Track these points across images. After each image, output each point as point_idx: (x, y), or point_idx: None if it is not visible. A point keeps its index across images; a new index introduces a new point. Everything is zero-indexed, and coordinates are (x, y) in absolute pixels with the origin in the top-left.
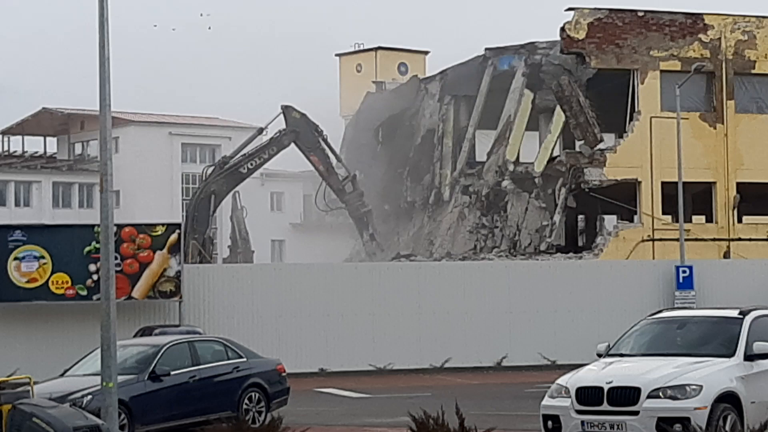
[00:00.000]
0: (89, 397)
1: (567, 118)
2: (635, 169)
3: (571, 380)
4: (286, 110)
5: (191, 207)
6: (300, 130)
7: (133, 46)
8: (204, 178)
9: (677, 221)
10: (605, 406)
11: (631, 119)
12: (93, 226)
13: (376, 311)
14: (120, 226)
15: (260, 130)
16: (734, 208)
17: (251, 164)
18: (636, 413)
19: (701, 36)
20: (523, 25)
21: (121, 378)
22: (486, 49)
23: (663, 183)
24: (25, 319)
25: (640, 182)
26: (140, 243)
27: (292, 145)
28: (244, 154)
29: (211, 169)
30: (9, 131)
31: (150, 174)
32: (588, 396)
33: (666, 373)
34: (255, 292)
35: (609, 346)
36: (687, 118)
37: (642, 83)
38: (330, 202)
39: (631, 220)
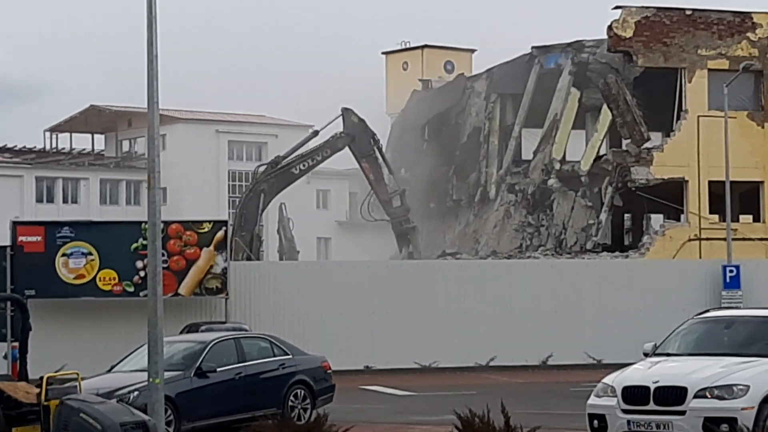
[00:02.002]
0: (136, 393)
1: (614, 117)
2: (682, 168)
3: (617, 379)
4: (346, 113)
5: (240, 205)
6: (356, 135)
7: (181, 43)
8: (255, 177)
9: (724, 220)
10: (651, 406)
11: (678, 118)
12: (140, 222)
13: (421, 309)
14: (167, 223)
15: (315, 132)
16: None
17: (303, 165)
18: (682, 413)
19: (749, 35)
20: (570, 23)
21: (167, 374)
22: (532, 47)
23: (710, 182)
24: (72, 315)
25: (687, 181)
26: (187, 240)
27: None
28: (298, 155)
29: (263, 167)
30: (57, 128)
31: (197, 171)
32: (634, 395)
33: (713, 372)
34: (301, 290)
35: (655, 345)
36: (734, 117)
37: (689, 82)
38: (375, 213)
39: (678, 220)
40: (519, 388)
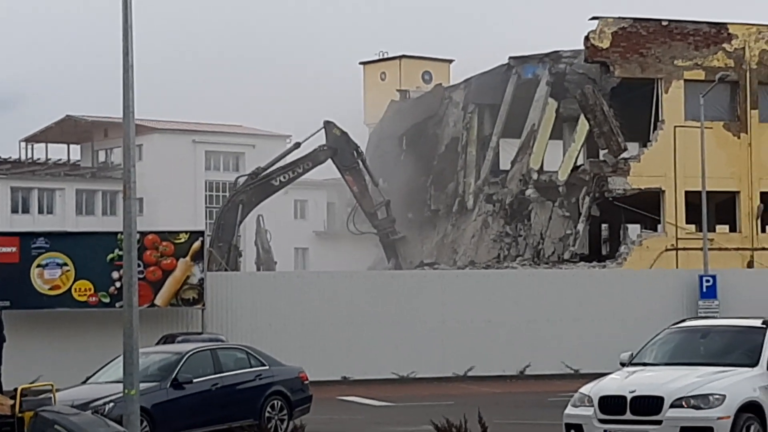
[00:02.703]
0: (111, 404)
1: (591, 127)
2: (659, 178)
3: (594, 389)
4: (328, 126)
5: (218, 215)
6: (339, 148)
7: (158, 53)
8: (234, 188)
9: (701, 230)
10: (628, 416)
11: (655, 128)
12: (116, 233)
13: (398, 319)
14: (143, 234)
15: (297, 144)
16: (758, 217)
17: (284, 177)
18: (659, 423)
19: (725, 45)
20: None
21: (143, 385)
22: (510, 57)
23: (687, 192)
24: (47, 327)
25: (663, 191)
26: (163, 250)
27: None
28: (278, 167)
29: (243, 178)
30: (33, 139)
31: (173, 182)
32: (611, 405)
33: (689, 382)
34: (278, 300)
35: (632, 355)
36: (711, 128)
37: (666, 92)
38: (359, 226)
39: (655, 230)
40: (496, 399)
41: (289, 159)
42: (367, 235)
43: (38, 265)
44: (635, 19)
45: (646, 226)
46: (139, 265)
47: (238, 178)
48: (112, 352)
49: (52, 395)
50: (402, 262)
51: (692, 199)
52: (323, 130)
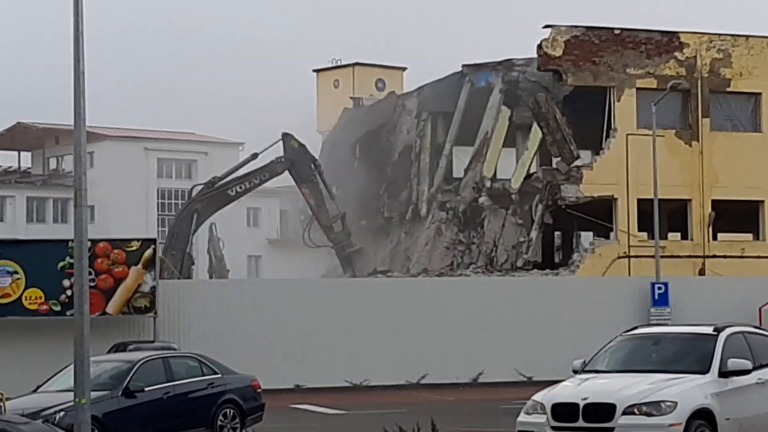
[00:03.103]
0: (62, 413)
1: (544, 135)
2: (611, 186)
3: (547, 396)
4: (286, 138)
5: (173, 223)
6: (296, 160)
7: (109, 60)
8: (190, 196)
9: (653, 238)
10: (581, 423)
11: (607, 136)
12: (67, 241)
13: (352, 327)
14: (94, 242)
15: (254, 155)
16: (709, 225)
17: (240, 187)
18: (611, 430)
19: (677, 54)
20: (501, 42)
21: (94, 394)
22: (463, 65)
23: (639, 200)
24: None
25: (616, 199)
26: (115, 258)
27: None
28: (235, 177)
29: (199, 187)
30: None
31: (125, 189)
32: (563, 412)
33: (641, 389)
34: (231, 308)
35: (585, 362)
36: (663, 136)
37: (618, 101)
38: (316, 239)
39: (608, 237)
40: (450, 406)
41: (245, 169)
42: (319, 243)
43: None
44: (588, 28)
45: (598, 234)
46: (90, 273)
47: (193, 186)
48: (63, 360)
49: (2, 404)
50: (358, 274)
51: (644, 207)
52: (281, 141)
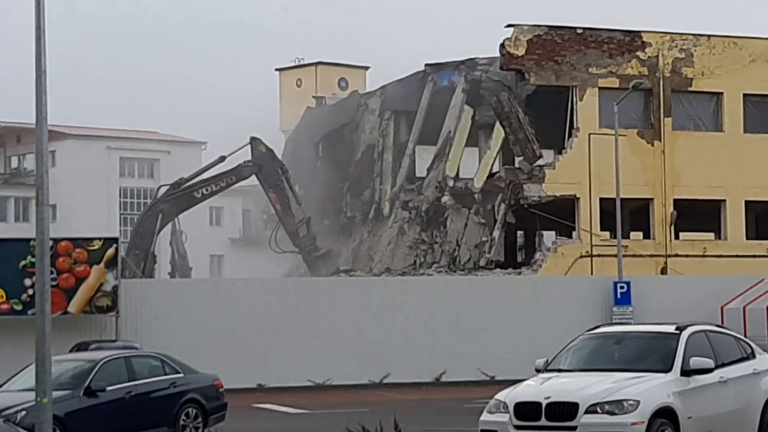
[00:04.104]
0: (24, 412)
1: (506, 135)
2: (574, 185)
3: (510, 396)
4: (254, 142)
5: (137, 223)
6: (263, 165)
7: (71, 58)
8: (155, 197)
9: (615, 237)
10: (543, 422)
11: (569, 136)
12: (29, 240)
13: (314, 326)
14: (56, 240)
15: (222, 158)
16: (671, 224)
17: (206, 190)
18: (574, 429)
19: (639, 53)
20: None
21: (56, 393)
22: (426, 64)
23: (601, 199)
24: None
25: (578, 198)
26: (77, 257)
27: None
28: (201, 179)
29: (165, 188)
30: None
31: (87, 188)
32: (526, 411)
33: (603, 388)
34: (193, 307)
35: (547, 361)
36: (625, 135)
37: (581, 100)
38: (283, 245)
39: (570, 236)
40: (412, 405)
41: (212, 172)
42: (281, 242)
43: None
44: (550, 27)
45: (561, 233)
46: (52, 272)
47: (159, 187)
48: (25, 360)
49: None
50: (323, 275)
51: (607, 206)
52: (249, 145)
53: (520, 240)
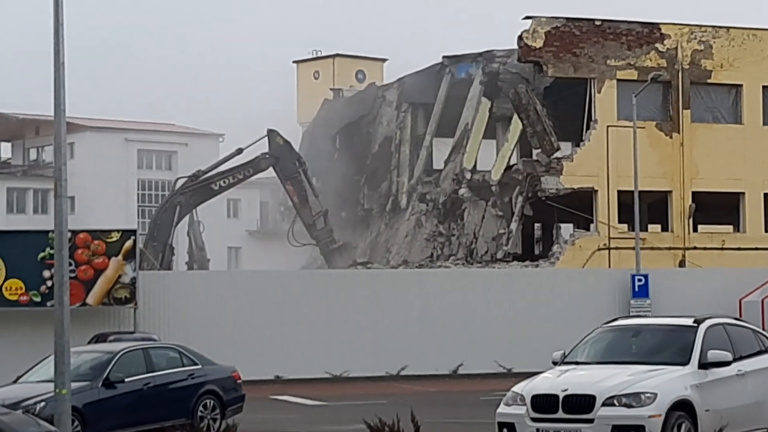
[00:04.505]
0: (42, 403)
1: (524, 127)
2: (592, 177)
3: (527, 388)
4: (271, 134)
5: (155, 215)
6: (281, 157)
7: (89, 50)
8: (173, 188)
9: (633, 230)
10: (560, 414)
11: (587, 128)
12: (47, 232)
13: (332, 319)
14: (75, 232)
15: (239, 150)
16: (690, 217)
17: (224, 182)
18: (591, 421)
19: (658, 45)
20: (481, 33)
21: (74, 385)
22: (443, 57)
23: (619, 192)
24: None
25: (596, 191)
26: (95, 249)
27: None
28: (219, 171)
29: (182, 180)
30: None
31: (105, 180)
32: (543, 404)
33: (621, 381)
34: (211, 299)
35: (564, 354)
36: (643, 128)
37: (599, 92)
38: (300, 238)
39: (588, 229)
40: (429, 398)
41: (230, 164)
42: (299, 235)
43: None
44: (568, 19)
45: (578, 226)
46: (70, 264)
47: (177, 179)
48: (44, 351)
49: None
50: (339, 267)
51: (624, 199)
52: (266, 137)
53: (537, 232)
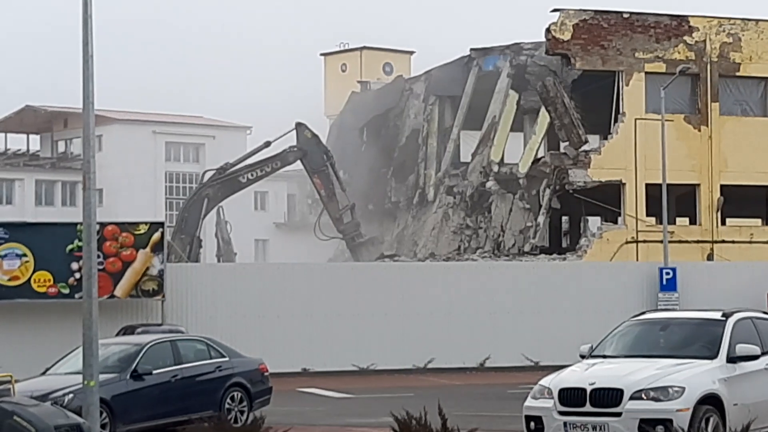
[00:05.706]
0: (71, 395)
1: (552, 119)
2: (619, 170)
3: (554, 381)
4: (299, 128)
5: (183, 208)
6: (308, 150)
7: (118, 43)
8: (201, 181)
9: (661, 223)
10: (588, 408)
11: (615, 121)
12: (76, 224)
13: (359, 311)
14: (103, 225)
15: (267, 143)
16: (718, 210)
17: (252, 175)
18: (618, 414)
19: (686, 38)
20: (509, 25)
21: (102, 377)
22: (471, 49)
23: (647, 185)
24: (6, 318)
25: (624, 184)
26: (123, 241)
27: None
28: (246, 164)
29: (210, 173)
30: None
31: (133, 172)
32: (571, 397)
33: (649, 374)
34: (238, 292)
35: (592, 347)
36: (671, 120)
37: (627, 85)
38: (327, 231)
39: (615, 222)
40: (456, 391)
41: (257, 157)
42: (326, 227)
43: None
44: (596, 12)
45: (606, 219)
46: (98, 256)
47: (205, 172)
48: (72, 343)
49: (11, 386)
50: (366, 260)
51: (653, 192)
52: (294, 130)
53: (565, 225)
